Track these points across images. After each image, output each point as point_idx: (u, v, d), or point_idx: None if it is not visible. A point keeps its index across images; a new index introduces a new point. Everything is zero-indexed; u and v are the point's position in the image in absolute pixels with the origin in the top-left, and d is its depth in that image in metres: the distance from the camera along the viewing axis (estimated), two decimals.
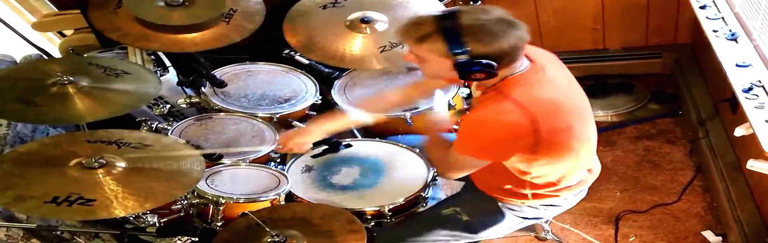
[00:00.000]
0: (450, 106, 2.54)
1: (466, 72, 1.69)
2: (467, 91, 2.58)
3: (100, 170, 1.89)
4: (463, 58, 1.65)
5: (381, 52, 2.50)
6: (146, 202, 1.85)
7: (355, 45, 2.51)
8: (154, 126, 2.46)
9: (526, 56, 1.80)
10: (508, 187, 2.03)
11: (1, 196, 1.81)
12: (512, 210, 2.12)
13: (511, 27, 1.65)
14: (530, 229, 2.71)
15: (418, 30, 1.69)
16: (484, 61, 1.66)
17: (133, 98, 2.22)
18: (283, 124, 2.59)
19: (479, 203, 2.14)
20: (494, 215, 2.13)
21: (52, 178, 1.88)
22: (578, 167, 1.97)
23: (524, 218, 2.15)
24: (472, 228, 2.14)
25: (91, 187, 1.85)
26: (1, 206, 2.21)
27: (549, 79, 1.78)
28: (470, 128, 1.83)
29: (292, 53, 2.64)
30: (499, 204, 2.11)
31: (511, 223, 2.16)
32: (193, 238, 2.20)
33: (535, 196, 2.04)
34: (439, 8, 2.59)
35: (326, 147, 2.45)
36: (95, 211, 1.78)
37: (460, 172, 1.97)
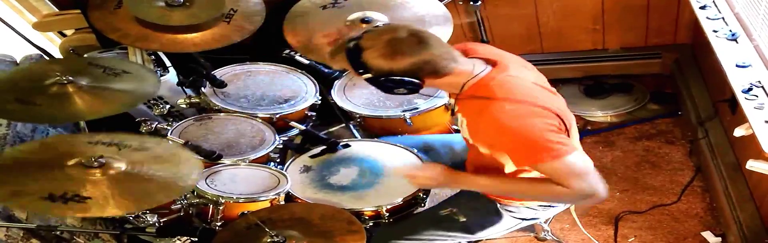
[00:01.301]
0: (449, 107, 2.54)
1: (382, 89, 1.80)
2: None
3: (99, 170, 1.90)
4: (367, 75, 1.76)
5: None
6: (141, 202, 1.85)
7: None
8: (153, 126, 2.46)
9: (487, 59, 1.86)
10: None
11: None
12: (509, 211, 2.12)
13: (419, 43, 1.73)
14: (530, 229, 2.71)
15: (333, 51, 1.84)
16: (396, 78, 1.74)
17: (133, 96, 2.22)
18: (282, 124, 2.59)
19: (476, 204, 2.14)
20: (491, 216, 2.13)
21: (51, 177, 1.88)
22: None
23: (521, 219, 2.15)
24: (469, 229, 2.14)
25: (89, 186, 1.85)
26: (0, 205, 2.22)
27: (516, 77, 1.82)
28: (521, 138, 1.72)
29: (292, 53, 2.64)
30: (497, 205, 2.11)
31: (508, 224, 2.16)
32: (192, 238, 2.21)
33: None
34: (438, 8, 2.59)
35: (324, 147, 2.46)
36: (89, 208, 1.79)
37: (587, 178, 1.73)
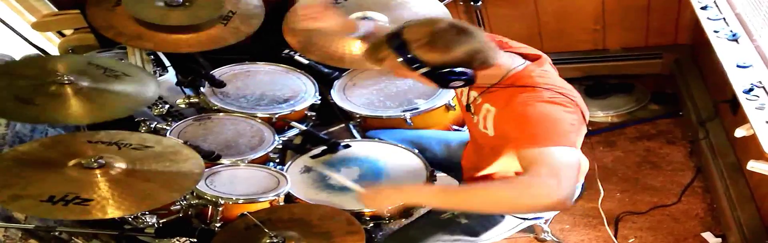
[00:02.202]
0: (449, 107, 2.54)
1: (439, 82, 1.75)
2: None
3: (99, 171, 1.89)
4: (425, 70, 1.71)
5: None
6: (143, 203, 1.85)
7: (355, 45, 2.51)
8: (152, 126, 2.46)
9: (523, 54, 1.86)
10: None
11: None
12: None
13: (460, 34, 1.70)
14: (530, 230, 2.71)
15: (374, 53, 1.77)
16: (452, 69, 1.71)
17: (131, 102, 2.21)
18: (281, 124, 2.58)
19: None
20: (493, 217, 2.13)
21: (51, 178, 1.88)
22: None
23: (523, 219, 2.15)
24: (473, 231, 2.13)
25: (89, 187, 1.84)
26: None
27: (553, 72, 1.85)
28: (535, 119, 1.66)
29: (292, 53, 2.64)
30: None
31: (510, 224, 2.15)
32: (191, 239, 2.21)
33: None
34: (439, 8, 2.59)
35: (325, 147, 2.45)
36: (91, 211, 1.78)
37: (570, 178, 1.56)
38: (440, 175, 2.40)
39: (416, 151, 2.41)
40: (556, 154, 1.57)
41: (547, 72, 1.83)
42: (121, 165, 1.93)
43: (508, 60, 1.81)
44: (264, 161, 2.47)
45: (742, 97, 1.99)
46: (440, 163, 2.39)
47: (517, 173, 1.92)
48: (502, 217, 2.12)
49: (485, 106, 1.88)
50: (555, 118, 1.67)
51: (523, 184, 1.57)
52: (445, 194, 1.70)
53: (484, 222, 2.13)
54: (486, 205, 1.67)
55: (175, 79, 2.77)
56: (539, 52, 1.91)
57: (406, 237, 2.18)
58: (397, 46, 1.70)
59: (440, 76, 1.72)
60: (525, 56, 1.87)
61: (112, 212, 1.79)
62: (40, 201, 1.78)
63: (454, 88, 1.79)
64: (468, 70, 1.72)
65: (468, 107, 1.98)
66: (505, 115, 1.80)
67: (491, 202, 1.62)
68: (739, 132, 2.04)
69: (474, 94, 1.93)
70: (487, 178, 2.06)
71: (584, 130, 1.85)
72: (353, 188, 2.02)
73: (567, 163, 1.57)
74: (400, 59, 1.71)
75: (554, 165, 1.55)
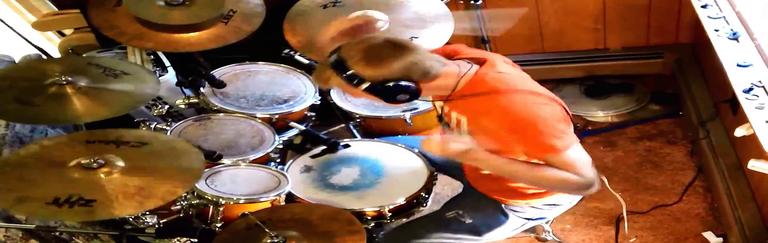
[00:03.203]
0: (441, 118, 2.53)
1: (384, 97, 1.78)
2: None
3: (100, 170, 1.89)
4: (366, 85, 1.74)
5: None
6: (147, 201, 1.84)
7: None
8: (152, 127, 2.46)
9: (472, 58, 1.87)
10: (510, 187, 2.02)
11: (3, 199, 1.81)
12: (515, 211, 2.11)
13: (396, 48, 1.73)
14: (531, 230, 2.70)
15: (319, 74, 1.83)
16: (398, 83, 1.73)
17: (131, 99, 2.21)
18: (282, 124, 2.58)
19: (482, 205, 2.14)
20: (497, 217, 2.13)
21: (53, 180, 1.88)
22: None
23: (527, 219, 2.15)
24: (476, 230, 2.13)
25: (92, 188, 1.84)
26: (1, 208, 2.21)
27: (507, 72, 1.85)
28: (534, 127, 1.72)
29: (292, 53, 2.63)
30: (502, 205, 2.11)
31: (514, 224, 2.15)
32: (192, 239, 2.20)
33: (535, 195, 2.04)
34: (439, 7, 2.58)
35: (325, 147, 2.45)
36: (95, 211, 1.78)
37: (587, 172, 1.76)
38: (442, 177, 2.40)
39: (416, 150, 2.41)
40: (574, 152, 1.75)
41: (500, 72, 1.83)
42: (121, 163, 1.93)
43: (455, 68, 1.82)
44: (265, 161, 2.47)
45: (741, 97, 1.98)
46: (445, 167, 2.39)
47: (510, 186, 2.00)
48: (507, 217, 2.12)
49: (453, 114, 1.91)
50: (545, 118, 1.72)
51: (572, 181, 1.77)
52: (506, 166, 1.82)
53: (489, 222, 2.13)
54: (534, 185, 1.97)
55: (174, 80, 2.77)
56: (488, 55, 1.91)
57: (409, 234, 2.19)
58: (334, 64, 1.74)
59: (383, 91, 1.75)
60: (474, 60, 1.87)
61: (117, 212, 1.79)
62: (46, 204, 1.78)
63: (402, 101, 1.80)
64: (410, 84, 1.74)
65: (440, 118, 1.99)
66: (482, 123, 1.81)
67: (540, 186, 1.96)
68: (739, 131, 2.03)
69: (439, 103, 1.95)
70: (493, 181, 2.06)
71: (570, 118, 1.87)
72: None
73: (584, 157, 1.77)
74: (340, 76, 1.74)
75: (580, 162, 1.76)
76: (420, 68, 1.75)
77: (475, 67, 1.84)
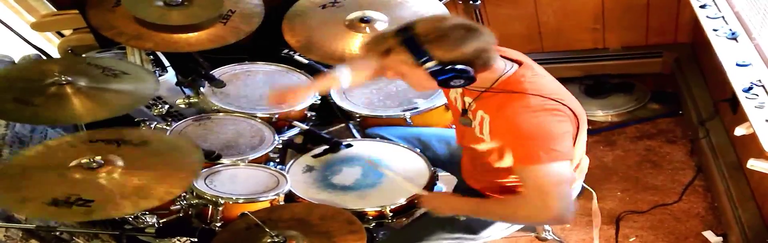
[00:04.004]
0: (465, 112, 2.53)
1: (443, 79, 1.72)
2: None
3: (100, 170, 1.89)
4: (431, 65, 1.68)
5: None
6: (146, 200, 1.85)
7: (355, 44, 2.51)
8: (152, 126, 2.46)
9: (509, 58, 1.85)
10: (504, 184, 2.02)
11: (6, 200, 1.82)
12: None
13: (470, 32, 1.69)
14: (531, 229, 2.70)
15: (380, 45, 1.72)
16: (457, 66, 1.68)
17: (131, 99, 2.22)
18: (281, 124, 2.58)
19: None
20: None
21: (54, 180, 1.88)
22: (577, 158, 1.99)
23: None
24: (472, 228, 2.13)
25: (91, 188, 1.85)
26: (1, 208, 2.22)
27: (543, 75, 1.85)
28: (529, 134, 1.73)
29: (291, 53, 2.63)
30: None
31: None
32: (192, 239, 2.20)
33: None
34: (438, 7, 2.59)
35: (327, 147, 2.45)
36: (93, 211, 1.78)
37: (561, 196, 1.73)
38: (442, 174, 2.40)
39: (418, 150, 2.41)
40: (549, 172, 1.71)
41: (537, 75, 1.82)
42: (120, 163, 1.93)
43: (501, 64, 1.80)
44: (264, 161, 2.47)
45: (741, 96, 1.98)
46: (442, 162, 2.39)
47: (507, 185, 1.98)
48: None
49: (479, 112, 1.89)
50: (547, 131, 1.71)
51: (514, 206, 1.85)
52: (471, 210, 1.99)
53: (482, 220, 2.13)
54: (498, 219, 2.07)
55: (174, 80, 2.77)
56: (521, 56, 1.90)
57: (408, 236, 2.19)
58: (407, 38, 1.67)
59: (444, 73, 1.69)
60: (512, 60, 1.87)
61: (115, 212, 1.80)
62: (45, 204, 1.78)
63: (454, 86, 1.76)
64: (470, 69, 1.70)
65: (464, 112, 1.98)
66: (498, 124, 1.82)
67: (498, 218, 2.03)
68: (739, 130, 2.04)
69: (468, 99, 1.93)
70: (488, 178, 2.06)
71: (583, 131, 1.87)
72: (411, 190, 2.19)
73: (557, 181, 1.72)
74: (408, 52, 1.68)
75: (544, 186, 1.73)
76: (485, 57, 1.72)
77: (516, 66, 1.83)
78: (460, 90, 1.94)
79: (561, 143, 1.72)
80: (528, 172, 1.74)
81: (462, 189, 2.20)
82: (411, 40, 1.67)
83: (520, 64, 1.84)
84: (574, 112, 1.78)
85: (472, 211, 1.99)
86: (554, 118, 1.73)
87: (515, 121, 1.74)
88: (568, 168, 1.76)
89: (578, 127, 1.82)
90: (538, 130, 1.72)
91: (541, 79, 1.82)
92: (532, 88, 1.76)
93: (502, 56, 1.85)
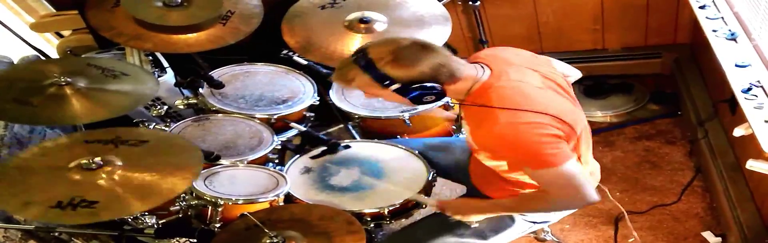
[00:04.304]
0: (448, 107, 2.54)
1: (411, 98, 1.78)
2: None
3: (100, 171, 1.89)
4: (396, 86, 1.74)
5: None
6: (149, 199, 1.85)
7: (354, 45, 2.51)
8: (151, 127, 2.45)
9: (485, 64, 1.86)
10: (518, 191, 2.02)
11: (8, 204, 1.82)
12: (521, 214, 2.10)
13: (423, 49, 1.74)
14: None
15: (342, 74, 1.80)
16: (425, 84, 1.74)
17: (130, 100, 2.22)
18: (280, 125, 2.58)
19: None
20: (504, 221, 2.12)
21: (55, 182, 1.88)
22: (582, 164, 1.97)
23: (533, 222, 2.14)
24: (482, 234, 2.13)
25: (93, 189, 1.85)
26: (2, 209, 2.21)
27: (514, 81, 1.80)
28: (517, 148, 1.75)
29: (291, 54, 2.63)
30: None
31: (520, 227, 2.15)
32: (191, 240, 2.20)
33: None
34: (437, 8, 2.58)
35: (325, 148, 2.45)
36: (99, 213, 1.79)
37: (583, 186, 1.77)
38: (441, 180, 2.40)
39: (417, 151, 2.40)
40: (559, 172, 1.73)
41: (509, 82, 1.79)
42: (120, 163, 1.93)
43: (473, 71, 1.81)
44: (263, 162, 2.47)
45: (740, 97, 1.98)
46: (444, 171, 2.38)
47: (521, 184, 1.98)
48: (513, 220, 2.12)
49: (463, 122, 1.95)
50: (530, 143, 1.72)
51: (554, 202, 1.86)
52: (499, 209, 2.02)
53: (495, 226, 2.12)
54: (530, 212, 2.09)
55: (173, 80, 2.77)
56: (496, 62, 1.87)
57: (412, 238, 2.18)
58: (365, 64, 1.74)
59: (411, 92, 1.76)
60: (486, 66, 1.86)
61: (120, 212, 1.80)
62: (50, 207, 1.78)
63: (427, 103, 1.81)
64: (437, 85, 1.75)
65: (458, 117, 2.00)
66: (478, 135, 1.90)
67: (534, 211, 2.07)
68: (738, 131, 2.04)
69: (453, 103, 1.96)
70: (501, 185, 2.07)
71: (584, 132, 1.87)
72: (430, 203, 2.17)
73: (572, 175, 1.75)
74: (369, 77, 1.74)
75: (565, 181, 1.75)
76: (447, 70, 1.75)
77: (488, 72, 1.83)
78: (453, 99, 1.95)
79: (549, 148, 1.72)
80: (544, 175, 1.77)
81: (476, 196, 2.19)
82: (369, 65, 1.73)
83: (491, 69, 1.83)
84: (551, 114, 1.74)
85: (495, 209, 2.02)
86: (528, 127, 1.71)
87: (496, 136, 1.75)
88: (573, 165, 1.75)
89: (572, 128, 1.79)
90: (521, 143, 1.72)
91: (509, 87, 1.78)
92: (498, 100, 1.75)
93: (478, 62, 1.87)
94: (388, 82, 1.74)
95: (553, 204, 1.88)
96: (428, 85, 1.74)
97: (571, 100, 1.90)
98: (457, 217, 2.07)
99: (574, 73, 2.12)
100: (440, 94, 1.79)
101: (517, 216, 2.11)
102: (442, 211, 2.10)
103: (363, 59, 1.74)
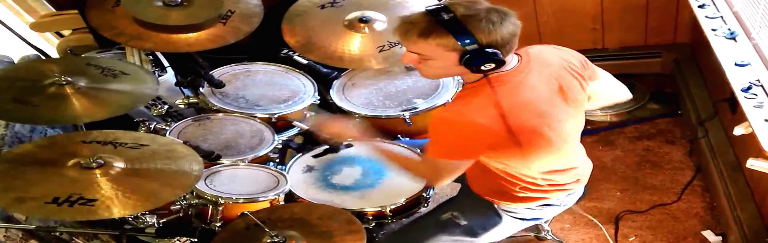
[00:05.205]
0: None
1: (476, 63, 1.67)
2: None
3: (99, 170, 1.90)
4: (471, 48, 1.65)
5: (379, 51, 2.50)
6: (147, 201, 1.85)
7: (354, 45, 2.51)
8: (152, 126, 2.46)
9: (519, 55, 1.82)
10: (500, 188, 2.02)
11: (1, 198, 1.81)
12: (509, 212, 2.10)
13: (504, 14, 1.68)
14: (530, 229, 2.70)
15: (418, 26, 1.67)
16: (490, 50, 1.66)
17: (131, 99, 2.22)
18: (281, 124, 2.58)
19: (476, 206, 2.13)
20: (492, 218, 2.12)
21: (51, 179, 1.88)
22: (558, 166, 1.98)
23: (523, 219, 2.14)
24: (472, 231, 2.13)
25: (91, 187, 1.85)
26: (0, 207, 2.21)
27: (523, 84, 1.79)
28: (439, 128, 1.82)
29: (291, 53, 2.64)
30: (496, 206, 2.10)
31: (510, 224, 2.15)
32: (192, 239, 2.20)
33: (527, 198, 2.03)
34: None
35: (327, 147, 2.45)
36: (97, 210, 1.78)
37: (445, 178, 1.88)
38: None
39: (418, 150, 2.40)
40: (446, 165, 1.84)
41: (518, 83, 1.78)
42: (119, 164, 1.93)
43: (510, 56, 1.77)
44: (264, 161, 2.47)
45: (740, 96, 1.99)
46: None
47: (504, 173, 1.97)
48: (501, 218, 2.12)
49: None
50: (454, 132, 1.77)
51: (415, 169, 1.99)
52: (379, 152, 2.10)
53: (483, 223, 2.13)
54: (387, 165, 2.22)
55: (173, 80, 2.77)
56: (527, 58, 1.85)
57: (406, 237, 2.19)
58: (448, 21, 1.63)
59: (481, 56, 1.66)
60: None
61: (118, 211, 1.80)
62: (45, 203, 1.78)
63: (483, 71, 1.71)
64: (499, 53, 1.68)
65: None
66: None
67: (391, 166, 2.16)
68: (738, 130, 2.04)
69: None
70: (485, 182, 2.08)
71: (540, 138, 1.85)
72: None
73: (450, 172, 1.86)
74: (448, 34, 1.63)
75: (442, 172, 1.87)
76: (515, 42, 1.72)
77: (514, 66, 1.79)
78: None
79: (461, 146, 1.80)
80: (432, 160, 1.86)
81: (466, 193, 2.20)
82: (453, 22, 1.63)
83: (519, 64, 1.82)
84: (516, 125, 1.74)
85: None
86: (473, 126, 1.74)
87: (443, 114, 1.87)
88: (457, 164, 1.84)
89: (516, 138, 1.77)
90: (449, 127, 1.78)
91: (514, 87, 1.78)
92: (500, 90, 1.75)
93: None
94: (468, 41, 1.63)
95: (413, 169, 2.00)
96: (497, 52, 1.66)
97: (560, 106, 1.87)
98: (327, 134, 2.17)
99: (623, 95, 2.23)
100: (500, 65, 1.70)
101: (504, 213, 2.11)
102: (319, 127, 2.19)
103: (448, 14, 1.63)
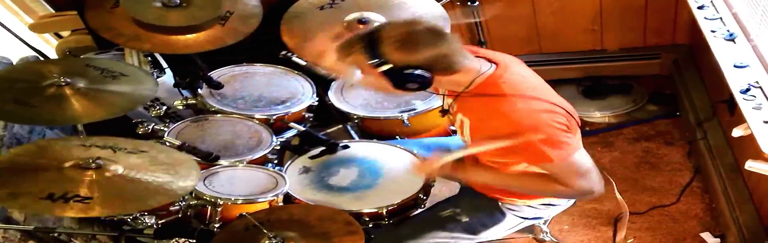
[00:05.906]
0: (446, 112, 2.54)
1: (396, 82, 1.74)
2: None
3: (96, 171, 1.89)
4: (385, 67, 1.71)
5: None
6: (145, 202, 1.85)
7: None
8: (150, 127, 2.45)
9: (488, 59, 1.86)
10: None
11: None
12: (511, 210, 2.11)
13: (434, 37, 1.71)
14: (528, 230, 2.70)
15: (345, 46, 1.78)
16: (415, 71, 1.71)
17: (130, 100, 2.22)
18: (279, 125, 2.58)
19: (478, 204, 2.14)
20: (494, 215, 2.13)
21: (48, 178, 1.88)
22: None
23: (524, 218, 2.15)
24: (472, 229, 2.13)
25: (89, 187, 1.85)
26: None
27: (524, 74, 1.86)
28: (527, 136, 1.73)
29: (289, 55, 2.63)
30: (499, 204, 2.11)
31: (510, 223, 2.15)
32: (190, 240, 2.21)
33: (532, 195, 2.05)
34: (436, 8, 2.59)
35: (323, 148, 2.45)
36: (93, 207, 1.79)
37: (593, 176, 1.83)
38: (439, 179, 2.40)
39: (415, 151, 2.41)
40: (571, 162, 1.78)
41: (520, 76, 1.83)
42: (117, 167, 1.93)
43: (476, 65, 1.81)
44: (262, 162, 2.47)
45: (739, 97, 1.99)
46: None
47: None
48: (504, 215, 2.12)
49: (459, 116, 1.91)
50: (542, 128, 1.73)
51: (563, 191, 1.86)
52: (494, 181, 2.01)
53: (485, 221, 2.13)
54: (530, 193, 2.05)
55: (172, 81, 2.77)
56: (504, 57, 1.89)
57: (404, 233, 2.19)
58: (369, 41, 1.71)
59: (398, 76, 1.72)
60: (489, 61, 1.87)
61: (111, 210, 1.80)
62: (40, 198, 1.78)
63: (409, 90, 1.77)
64: (427, 74, 1.72)
65: (446, 112, 1.99)
66: (484, 126, 1.83)
67: (533, 192, 2.03)
68: (737, 132, 2.04)
69: (449, 100, 1.95)
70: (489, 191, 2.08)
71: (576, 126, 1.88)
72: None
73: (583, 167, 1.81)
74: (367, 54, 1.71)
75: (575, 173, 1.80)
76: (446, 61, 1.74)
77: (493, 67, 1.83)
78: (444, 90, 1.95)
79: (562, 136, 1.75)
80: (556, 169, 1.80)
81: (468, 192, 2.19)
82: (371, 43, 1.71)
83: (497, 63, 1.84)
84: (564, 109, 1.81)
85: (499, 179, 2.00)
86: (544, 115, 1.75)
87: (511, 124, 1.73)
88: (585, 156, 1.82)
89: (577, 124, 1.84)
90: (534, 129, 1.72)
91: (521, 79, 1.82)
92: (511, 89, 1.77)
93: (480, 57, 1.86)
94: (380, 62, 1.70)
95: (562, 193, 1.91)
96: (417, 72, 1.71)
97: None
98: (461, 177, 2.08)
99: None
100: (426, 84, 1.75)
101: (507, 211, 2.11)
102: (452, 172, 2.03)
103: (371, 36, 1.72)
